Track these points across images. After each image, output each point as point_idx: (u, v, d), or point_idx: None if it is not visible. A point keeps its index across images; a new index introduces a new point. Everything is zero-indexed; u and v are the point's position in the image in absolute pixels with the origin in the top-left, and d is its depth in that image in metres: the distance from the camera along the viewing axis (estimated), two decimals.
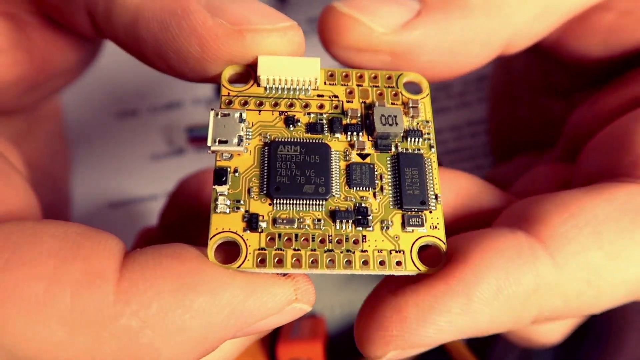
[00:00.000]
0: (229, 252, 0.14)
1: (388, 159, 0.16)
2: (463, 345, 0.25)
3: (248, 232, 0.14)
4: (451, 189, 0.18)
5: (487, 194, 0.18)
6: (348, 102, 0.16)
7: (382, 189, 0.15)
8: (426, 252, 0.15)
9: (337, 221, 0.15)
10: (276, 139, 0.16)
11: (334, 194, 0.15)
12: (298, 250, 0.14)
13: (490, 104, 0.29)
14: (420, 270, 0.14)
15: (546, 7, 0.17)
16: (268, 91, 0.16)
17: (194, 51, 0.15)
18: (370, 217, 0.15)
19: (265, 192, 0.15)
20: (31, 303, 0.12)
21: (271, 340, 0.28)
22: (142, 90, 0.32)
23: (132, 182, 0.30)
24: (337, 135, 0.16)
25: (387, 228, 0.15)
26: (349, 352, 0.29)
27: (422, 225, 0.15)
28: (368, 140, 0.16)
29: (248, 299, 0.13)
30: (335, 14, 0.16)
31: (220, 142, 0.15)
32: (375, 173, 0.16)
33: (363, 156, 0.16)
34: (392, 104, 0.17)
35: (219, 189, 0.15)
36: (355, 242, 0.15)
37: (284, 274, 0.14)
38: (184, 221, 0.22)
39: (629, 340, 0.26)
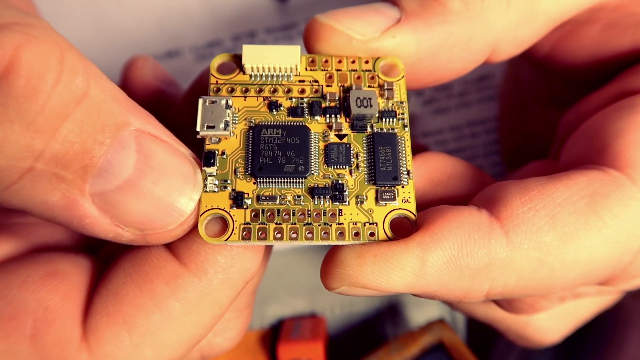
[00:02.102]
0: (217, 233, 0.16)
1: (364, 138, 0.17)
2: (463, 345, 0.26)
3: (234, 208, 0.16)
4: (430, 171, 0.19)
5: (469, 176, 0.19)
6: (327, 86, 0.18)
7: (357, 166, 0.17)
8: (399, 227, 0.16)
9: (316, 197, 0.16)
10: (260, 123, 0.17)
11: (312, 172, 0.16)
12: (280, 224, 0.16)
13: (500, 114, 0.30)
14: (390, 238, 0.16)
15: (528, 12, 0.18)
16: (253, 78, 0.18)
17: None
18: (346, 193, 0.16)
19: (249, 172, 0.16)
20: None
21: (272, 341, 0.29)
22: None
23: None
24: (317, 117, 0.17)
25: (362, 202, 0.16)
26: (349, 352, 0.30)
27: (394, 199, 0.16)
28: (345, 121, 0.17)
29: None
30: (316, 24, 0.17)
31: (208, 127, 0.16)
32: (352, 152, 0.17)
33: (341, 136, 0.17)
34: (369, 86, 0.18)
35: (208, 170, 0.16)
36: (332, 215, 0.16)
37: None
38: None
39: (629, 340, 0.27)
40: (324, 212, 0.16)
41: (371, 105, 0.17)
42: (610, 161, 0.16)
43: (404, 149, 0.17)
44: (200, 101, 0.17)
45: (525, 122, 0.27)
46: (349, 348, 0.31)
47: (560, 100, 0.24)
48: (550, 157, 0.21)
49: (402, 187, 0.16)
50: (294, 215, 0.16)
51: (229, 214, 0.16)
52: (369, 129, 0.17)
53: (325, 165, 0.17)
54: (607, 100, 0.19)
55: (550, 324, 0.22)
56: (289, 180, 0.16)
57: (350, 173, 0.17)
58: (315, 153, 0.17)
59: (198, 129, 0.16)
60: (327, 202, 0.16)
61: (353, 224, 0.16)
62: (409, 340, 0.26)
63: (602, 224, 0.15)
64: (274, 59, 0.17)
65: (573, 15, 0.19)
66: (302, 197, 0.16)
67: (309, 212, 0.16)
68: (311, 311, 0.31)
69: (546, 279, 0.15)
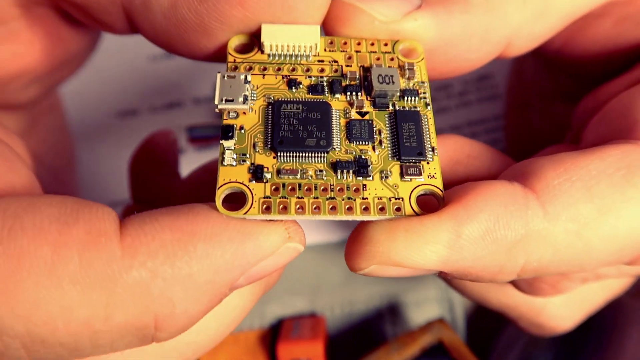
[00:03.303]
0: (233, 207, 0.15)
1: (386, 116, 0.17)
2: (463, 345, 0.26)
3: (254, 182, 0.15)
4: (451, 152, 0.18)
5: (488, 156, 0.19)
6: (347, 66, 0.17)
7: (380, 142, 0.16)
8: (425, 204, 0.16)
9: (339, 171, 0.15)
10: (279, 99, 0.16)
11: (334, 147, 0.16)
12: (302, 198, 0.15)
13: (505, 109, 0.30)
14: (417, 214, 0.15)
15: (544, 8, 0.18)
16: (271, 57, 0.17)
17: (236, 12, 0.16)
18: (370, 167, 0.16)
19: (269, 146, 0.16)
20: (40, 267, 0.13)
21: (271, 341, 0.29)
22: (143, 90, 0.32)
23: None
24: (337, 95, 0.17)
25: (387, 177, 0.16)
26: (349, 351, 0.30)
27: (420, 174, 0.16)
28: (367, 99, 0.17)
29: (245, 241, 0.14)
30: (339, 4, 0.17)
31: (227, 100, 0.16)
32: (374, 128, 0.16)
33: (362, 114, 0.17)
34: (389, 67, 0.17)
35: (226, 143, 0.16)
36: (356, 190, 0.15)
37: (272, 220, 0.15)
38: (153, 193, 0.22)
39: (630, 340, 0.26)
40: (347, 187, 0.15)
41: (393, 82, 0.17)
42: None
43: (427, 126, 0.17)
44: (219, 75, 0.16)
45: (528, 117, 0.27)
46: (349, 348, 0.30)
47: (565, 94, 0.24)
48: (566, 142, 0.21)
49: (428, 163, 0.16)
50: (316, 189, 0.15)
51: (248, 188, 0.15)
52: (390, 107, 0.17)
53: (347, 141, 0.16)
54: (629, 84, 0.19)
55: (564, 311, 0.22)
56: (310, 154, 0.16)
57: (374, 149, 0.16)
58: (336, 128, 0.16)
59: (216, 102, 0.16)
60: (351, 176, 0.15)
61: (378, 199, 0.15)
62: (408, 340, 0.26)
63: (639, 195, 0.15)
64: (293, 38, 0.17)
65: (588, 11, 0.19)
66: (324, 172, 0.15)
67: (332, 187, 0.15)
68: (311, 311, 0.30)
69: (582, 254, 0.15)
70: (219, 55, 0.17)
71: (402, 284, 0.31)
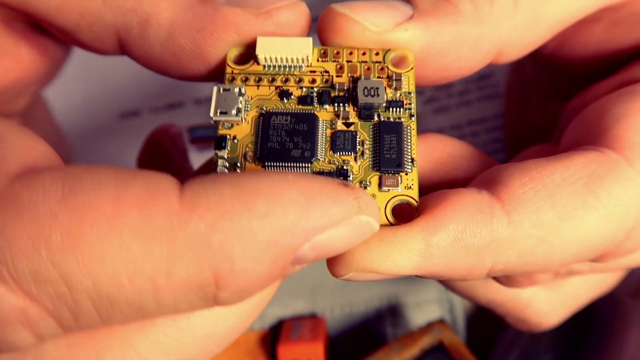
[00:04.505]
0: None
1: (370, 126, 0.18)
2: (463, 346, 0.26)
3: None
4: (432, 151, 0.19)
5: (469, 155, 0.19)
6: (337, 76, 0.18)
7: (362, 153, 0.17)
8: (401, 213, 0.17)
9: None
10: (270, 110, 0.18)
11: (318, 157, 0.17)
12: None
13: (505, 106, 0.30)
14: (392, 223, 0.16)
15: (535, 17, 0.18)
16: (266, 69, 0.18)
17: (230, 38, 0.17)
18: (350, 178, 0.17)
19: (258, 156, 0.17)
20: (102, 220, 0.13)
21: (272, 342, 0.29)
22: (144, 91, 0.32)
23: None
24: (326, 106, 0.18)
25: (365, 188, 0.17)
26: (349, 352, 0.30)
27: (397, 185, 0.17)
28: (353, 110, 0.18)
29: (310, 203, 0.13)
30: (332, 14, 0.18)
31: (221, 112, 0.17)
32: (358, 139, 0.17)
33: (348, 125, 0.18)
34: (379, 77, 0.18)
35: (220, 153, 0.17)
36: None
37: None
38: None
39: (630, 339, 0.27)
40: None
41: (378, 95, 0.17)
42: (609, 143, 0.16)
43: (409, 137, 0.17)
44: (215, 89, 0.17)
45: (526, 114, 0.27)
46: (349, 349, 0.31)
47: (561, 93, 0.24)
48: (552, 142, 0.21)
49: (406, 174, 0.17)
50: None
51: None
52: (375, 118, 0.18)
53: (331, 151, 0.17)
54: (611, 89, 0.19)
55: (549, 307, 0.23)
56: (295, 165, 0.17)
57: (355, 160, 0.17)
58: (322, 140, 0.17)
59: (211, 114, 0.17)
60: None
61: None
62: (408, 341, 0.26)
63: (599, 203, 0.16)
64: (287, 50, 0.18)
65: (578, 19, 0.19)
66: None
67: None
68: (311, 312, 0.31)
69: (545, 256, 0.16)
70: (211, 76, 0.19)
71: (402, 285, 0.31)
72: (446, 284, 0.24)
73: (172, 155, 0.23)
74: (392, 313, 0.31)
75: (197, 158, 0.31)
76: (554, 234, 0.15)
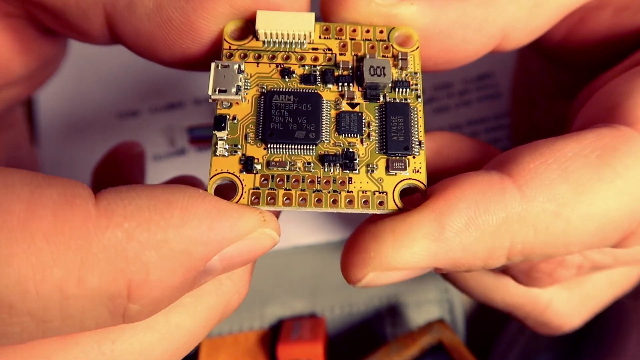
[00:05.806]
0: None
1: (376, 108, 0.17)
2: (463, 345, 0.26)
3: (244, 173, 0.16)
4: (437, 144, 0.19)
5: (474, 148, 0.19)
6: (341, 54, 0.18)
7: (369, 135, 0.17)
8: (409, 197, 0.16)
9: (326, 164, 0.16)
10: (272, 89, 0.17)
11: (323, 139, 0.16)
12: (289, 190, 0.16)
13: (511, 106, 0.30)
14: (400, 208, 0.16)
15: (539, 0, 0.18)
16: (266, 45, 0.17)
17: (222, 9, 0.16)
18: (356, 161, 0.16)
19: (260, 137, 0.16)
20: (13, 223, 0.12)
21: (271, 341, 0.29)
22: (143, 91, 0.32)
23: None
24: (329, 85, 0.17)
25: (372, 171, 0.16)
26: (348, 352, 0.30)
27: (404, 169, 0.16)
28: (358, 90, 0.17)
29: (221, 217, 0.14)
30: None
31: (220, 91, 0.16)
32: (364, 121, 0.17)
33: (353, 105, 0.17)
34: (383, 56, 0.18)
35: (219, 134, 0.16)
36: (342, 183, 0.16)
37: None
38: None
39: (630, 340, 0.26)
40: (333, 180, 0.16)
41: (384, 74, 0.17)
42: (620, 119, 0.16)
43: (416, 119, 0.17)
44: (213, 65, 0.16)
45: (532, 114, 0.27)
46: (349, 348, 0.30)
47: (565, 90, 0.24)
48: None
49: (413, 157, 0.16)
50: (303, 181, 0.16)
51: (239, 178, 0.16)
52: (381, 99, 0.17)
53: (336, 133, 0.16)
54: (621, 73, 0.19)
55: (570, 309, 0.22)
56: (299, 147, 0.16)
57: (362, 142, 0.16)
58: (326, 121, 0.17)
59: (210, 92, 0.16)
60: (337, 169, 0.16)
61: (362, 192, 0.16)
62: (408, 341, 0.26)
63: (614, 175, 0.15)
64: (288, 25, 0.17)
65: (584, 2, 0.19)
66: (312, 164, 0.16)
67: (319, 179, 0.16)
68: (311, 311, 0.31)
69: (563, 234, 0.15)
70: (205, 59, 0.17)
71: (402, 285, 0.31)
72: (463, 286, 0.23)
73: (133, 173, 0.22)
74: (391, 313, 0.31)
75: (197, 158, 0.31)
76: (570, 208, 0.15)
